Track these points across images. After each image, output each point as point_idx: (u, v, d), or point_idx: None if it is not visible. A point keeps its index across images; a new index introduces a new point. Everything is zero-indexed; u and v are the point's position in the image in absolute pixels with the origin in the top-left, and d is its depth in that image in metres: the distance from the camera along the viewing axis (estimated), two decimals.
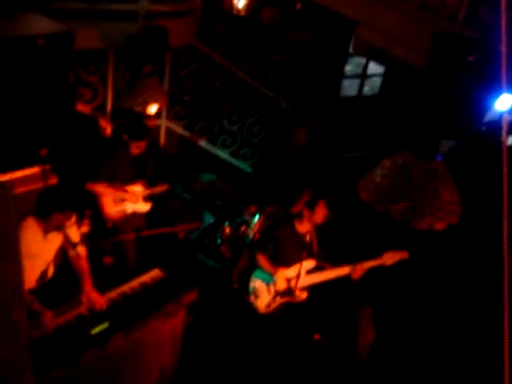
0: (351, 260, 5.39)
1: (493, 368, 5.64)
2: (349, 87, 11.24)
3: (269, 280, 5.53)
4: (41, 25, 5.34)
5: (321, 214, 5.35)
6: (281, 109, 9.22)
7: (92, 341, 4.36)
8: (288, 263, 5.51)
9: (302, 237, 5.49)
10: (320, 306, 6.52)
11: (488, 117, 6.19)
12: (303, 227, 5.49)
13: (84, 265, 4.94)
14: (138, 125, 6.57)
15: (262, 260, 5.52)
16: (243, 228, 7.13)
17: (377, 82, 11.39)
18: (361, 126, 9.96)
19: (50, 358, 4.12)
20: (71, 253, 4.94)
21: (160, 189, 6.42)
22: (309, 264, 5.48)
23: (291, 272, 5.50)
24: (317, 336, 6.39)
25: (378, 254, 5.34)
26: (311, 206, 5.36)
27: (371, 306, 5.89)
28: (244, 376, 5.78)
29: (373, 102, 10.88)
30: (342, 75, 10.59)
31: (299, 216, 5.50)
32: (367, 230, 6.39)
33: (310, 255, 5.47)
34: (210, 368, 5.85)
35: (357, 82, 10.92)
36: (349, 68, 11.61)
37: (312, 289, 5.63)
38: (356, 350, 5.98)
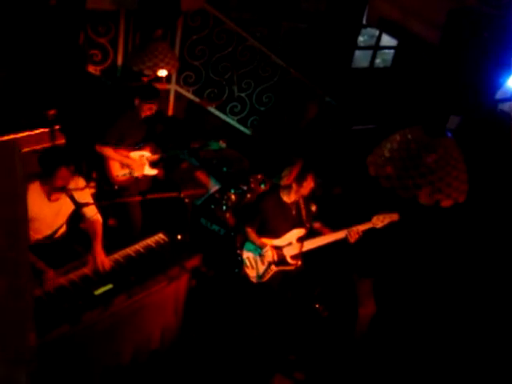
0: (346, 225, 5.43)
1: (495, 337, 5.72)
2: (361, 58, 11.12)
3: (259, 252, 5.59)
4: None
5: (308, 186, 5.41)
6: (291, 78, 9.14)
7: (95, 301, 4.42)
8: (277, 234, 5.58)
9: (289, 207, 5.54)
10: (320, 276, 6.57)
11: (500, 94, 6.13)
12: (290, 198, 5.52)
13: (98, 228, 4.97)
14: (148, 86, 6.59)
15: (251, 233, 5.58)
16: (249, 196, 7.14)
17: (389, 54, 11.25)
18: (371, 99, 9.88)
19: (53, 316, 4.17)
20: (87, 215, 4.98)
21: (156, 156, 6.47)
22: (299, 232, 5.53)
23: (281, 242, 5.57)
24: (317, 305, 6.44)
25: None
26: (300, 180, 5.39)
27: (372, 279, 5.92)
28: (244, 343, 5.84)
29: (384, 74, 10.76)
30: (355, 46, 10.47)
31: (287, 188, 5.52)
32: (372, 202, 6.40)
33: (299, 224, 5.52)
34: (210, 332, 5.92)
35: (369, 53, 10.79)
36: (361, 39, 11.48)
37: (312, 258, 5.67)
38: (355, 321, 6.03)
